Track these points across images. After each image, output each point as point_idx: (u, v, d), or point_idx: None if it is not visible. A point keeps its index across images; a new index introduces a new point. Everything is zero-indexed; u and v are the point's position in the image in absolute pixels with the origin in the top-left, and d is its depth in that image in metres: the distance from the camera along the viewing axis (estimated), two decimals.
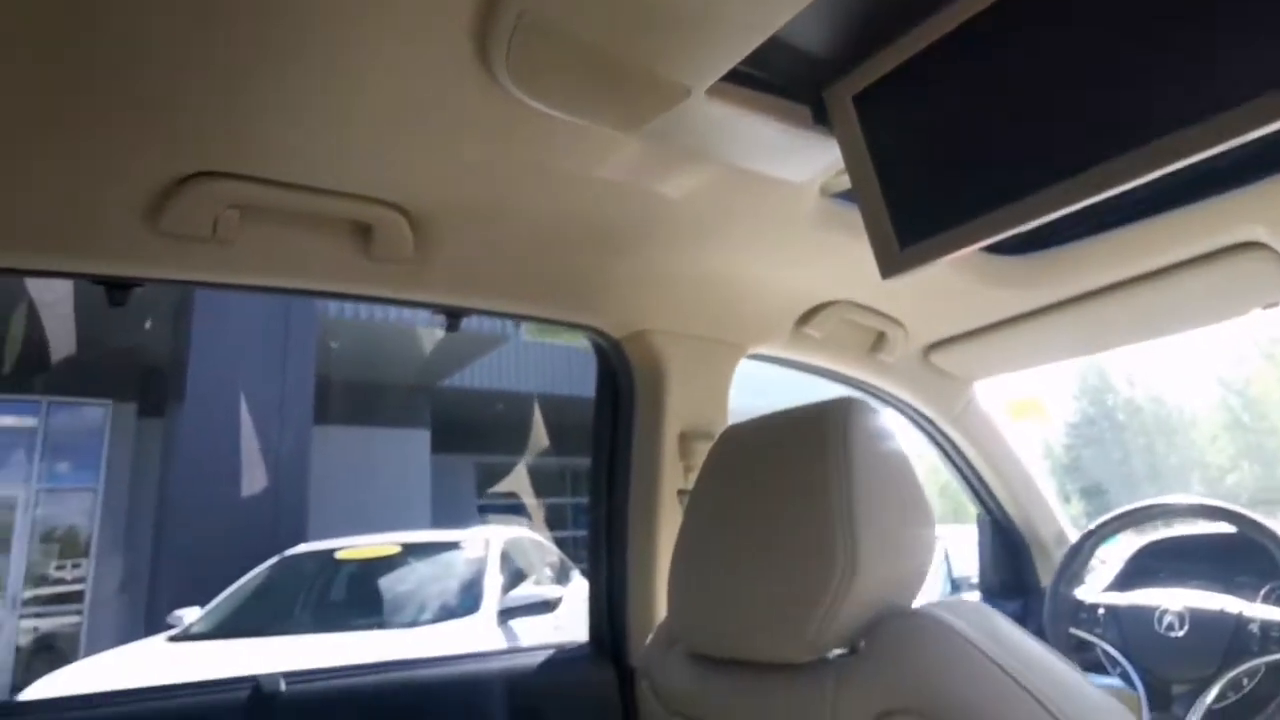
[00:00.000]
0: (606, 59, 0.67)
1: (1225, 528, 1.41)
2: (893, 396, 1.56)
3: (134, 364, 7.59)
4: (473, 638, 3.44)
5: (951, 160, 0.74)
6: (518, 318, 1.21)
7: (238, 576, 4.30)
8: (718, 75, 0.70)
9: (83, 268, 0.87)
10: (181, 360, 6.77)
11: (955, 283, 1.20)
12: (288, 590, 4.17)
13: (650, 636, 0.97)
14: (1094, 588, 1.55)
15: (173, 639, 3.90)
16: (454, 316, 1.06)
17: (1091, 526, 1.58)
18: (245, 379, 6.67)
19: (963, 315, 1.35)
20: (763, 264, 1.11)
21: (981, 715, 0.63)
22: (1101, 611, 1.45)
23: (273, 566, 4.33)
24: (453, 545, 4.41)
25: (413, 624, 3.68)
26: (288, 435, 6.76)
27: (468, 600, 3.85)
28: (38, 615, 7.35)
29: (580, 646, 1.22)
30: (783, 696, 0.72)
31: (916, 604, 0.74)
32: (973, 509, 1.85)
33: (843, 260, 1.08)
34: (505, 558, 4.29)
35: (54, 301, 6.39)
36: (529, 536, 5.13)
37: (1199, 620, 1.31)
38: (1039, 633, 1.58)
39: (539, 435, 8.88)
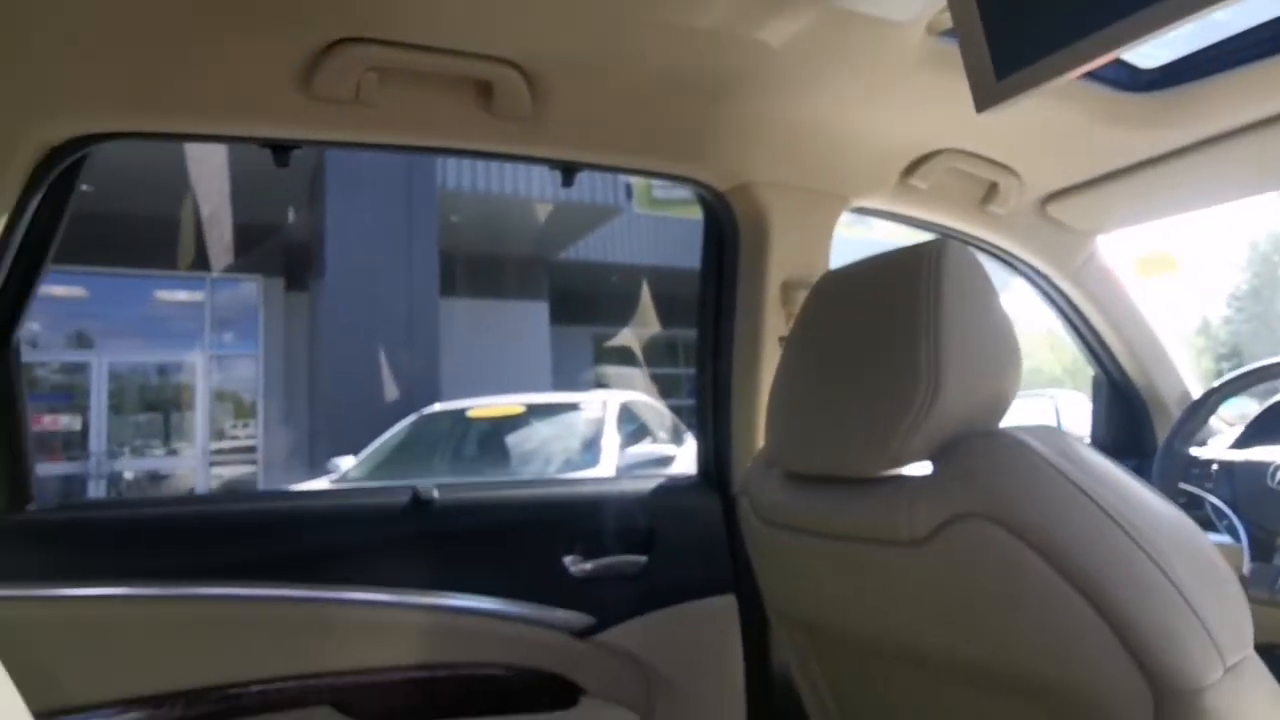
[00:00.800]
0: None
1: None
2: (1005, 252, 1.52)
3: (280, 243, 8.23)
4: None
5: None
6: (628, 171, 1.27)
7: (382, 430, 4.79)
8: None
9: (247, 132, 1.00)
10: (319, 239, 7.28)
11: (1074, 126, 1.15)
12: (426, 443, 4.61)
13: (750, 463, 1.08)
14: (1211, 449, 1.53)
15: (334, 483, 4.44)
16: (568, 172, 1.14)
17: (1215, 384, 1.54)
18: (376, 255, 7.12)
19: (1083, 162, 1.30)
20: (867, 111, 1.10)
21: (1047, 523, 0.67)
22: (1215, 467, 1.44)
23: (413, 422, 4.78)
24: (573, 406, 4.71)
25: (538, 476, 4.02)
26: (417, 306, 7.24)
27: (588, 456, 4.15)
28: (221, 465, 8.48)
29: (689, 478, 1.34)
30: (864, 505, 0.80)
31: None
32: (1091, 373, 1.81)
33: (951, 105, 1.06)
34: (622, 419, 4.55)
35: (211, 187, 6.93)
36: (644, 400, 5.37)
37: None
38: None
39: (652, 307, 9.05)
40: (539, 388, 7.43)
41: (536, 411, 4.65)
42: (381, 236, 7.17)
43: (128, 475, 8.25)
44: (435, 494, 1.12)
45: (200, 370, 8.53)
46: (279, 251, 8.28)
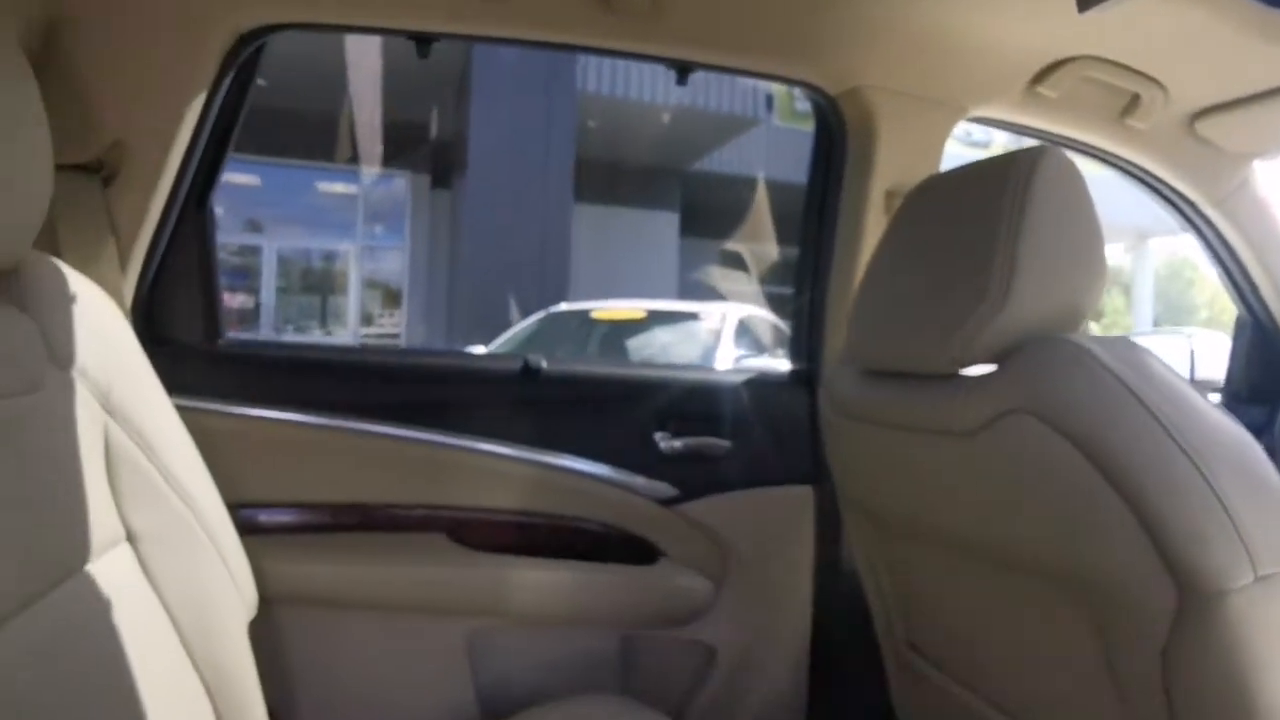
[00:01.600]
0: None
1: None
2: (1146, 172, 1.43)
3: (427, 142, 8.62)
4: None
5: None
6: (741, 73, 1.28)
7: (513, 324, 5.08)
8: None
9: (393, 24, 1.11)
10: (463, 139, 7.57)
11: (1228, 40, 1.07)
12: (552, 340, 4.86)
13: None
14: None
15: None
16: (682, 71, 1.19)
17: None
18: (515, 157, 7.34)
19: (1239, 78, 1.19)
20: (992, 15, 1.07)
21: (1094, 423, 0.69)
22: None
23: (540, 319, 5.03)
24: (692, 316, 4.80)
25: None
26: (551, 208, 7.46)
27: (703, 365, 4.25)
28: None
29: (781, 374, 1.41)
30: (925, 398, 0.85)
31: None
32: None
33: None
34: (739, 332, 4.60)
35: (367, 86, 7.30)
36: (764, 316, 5.38)
37: None
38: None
39: (785, 223, 8.87)
40: (664, 297, 7.57)
41: (657, 317, 4.77)
42: (521, 139, 7.37)
43: None
44: (544, 364, 1.26)
45: (353, 259, 9.23)
46: (427, 150, 8.69)
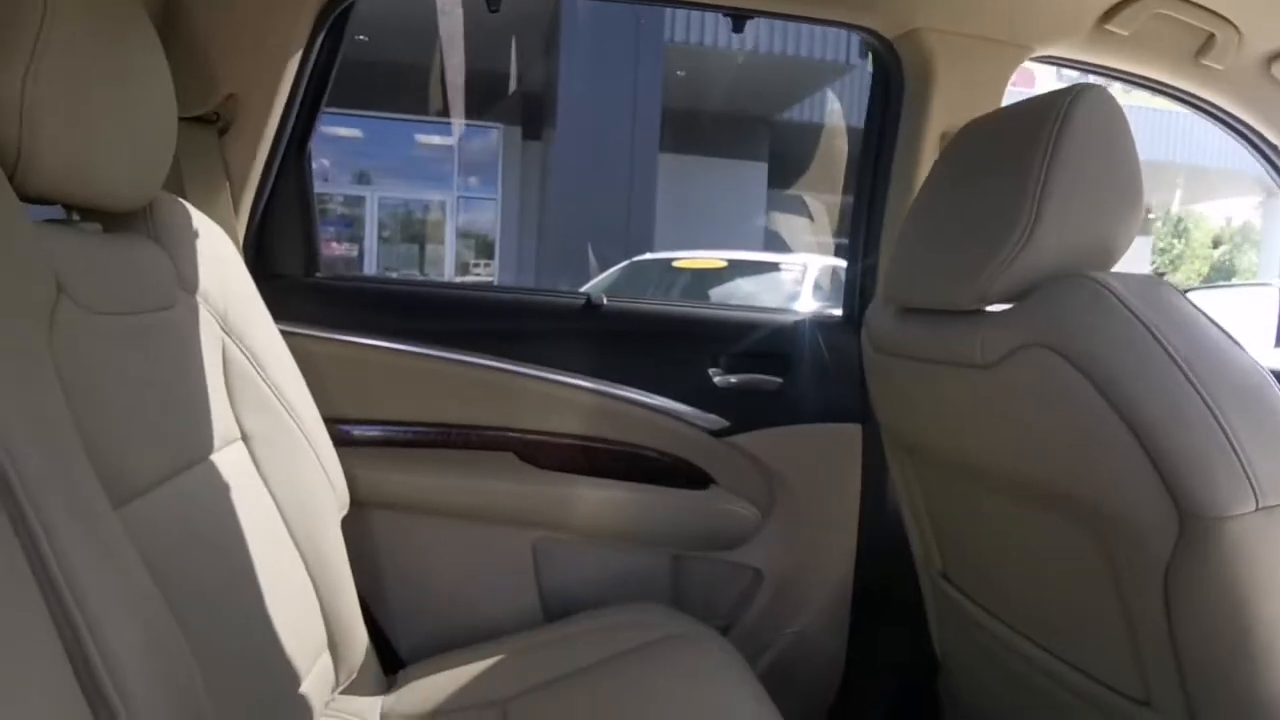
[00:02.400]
0: None
1: None
2: (1224, 111, 1.38)
3: (519, 93, 8.74)
4: None
5: None
6: (798, 19, 1.30)
7: (599, 273, 5.20)
8: None
9: None
10: (552, 90, 7.65)
11: None
12: (635, 288, 4.95)
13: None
14: None
15: None
16: (738, 19, 1.22)
17: None
18: (602, 107, 7.38)
19: None
20: None
21: (1106, 357, 0.71)
22: None
23: (624, 268, 5.13)
24: (774, 266, 4.79)
25: None
26: (638, 159, 7.49)
27: None
28: None
29: (834, 316, 1.45)
30: (951, 334, 0.89)
31: None
32: None
33: None
34: (820, 284, 4.57)
35: (459, 39, 7.46)
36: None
37: None
38: None
39: None
40: (749, 247, 7.53)
41: (738, 267, 4.78)
42: (608, 89, 7.39)
43: None
44: (605, 300, 1.35)
45: (449, 210, 9.55)
46: (518, 102, 8.82)
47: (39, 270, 0.59)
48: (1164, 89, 1.35)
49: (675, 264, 4.95)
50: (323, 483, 1.02)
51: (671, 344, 1.37)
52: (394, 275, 9.57)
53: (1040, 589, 0.93)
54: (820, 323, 1.41)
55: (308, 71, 1.21)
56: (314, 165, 1.36)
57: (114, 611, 0.52)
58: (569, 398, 1.31)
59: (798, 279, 4.58)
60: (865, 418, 1.35)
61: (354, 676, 1.03)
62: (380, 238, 9.72)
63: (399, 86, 7.85)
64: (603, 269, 5.32)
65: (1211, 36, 1.21)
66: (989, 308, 0.86)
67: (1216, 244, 13.62)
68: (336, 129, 8.97)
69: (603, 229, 7.12)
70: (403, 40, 6.40)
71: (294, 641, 0.89)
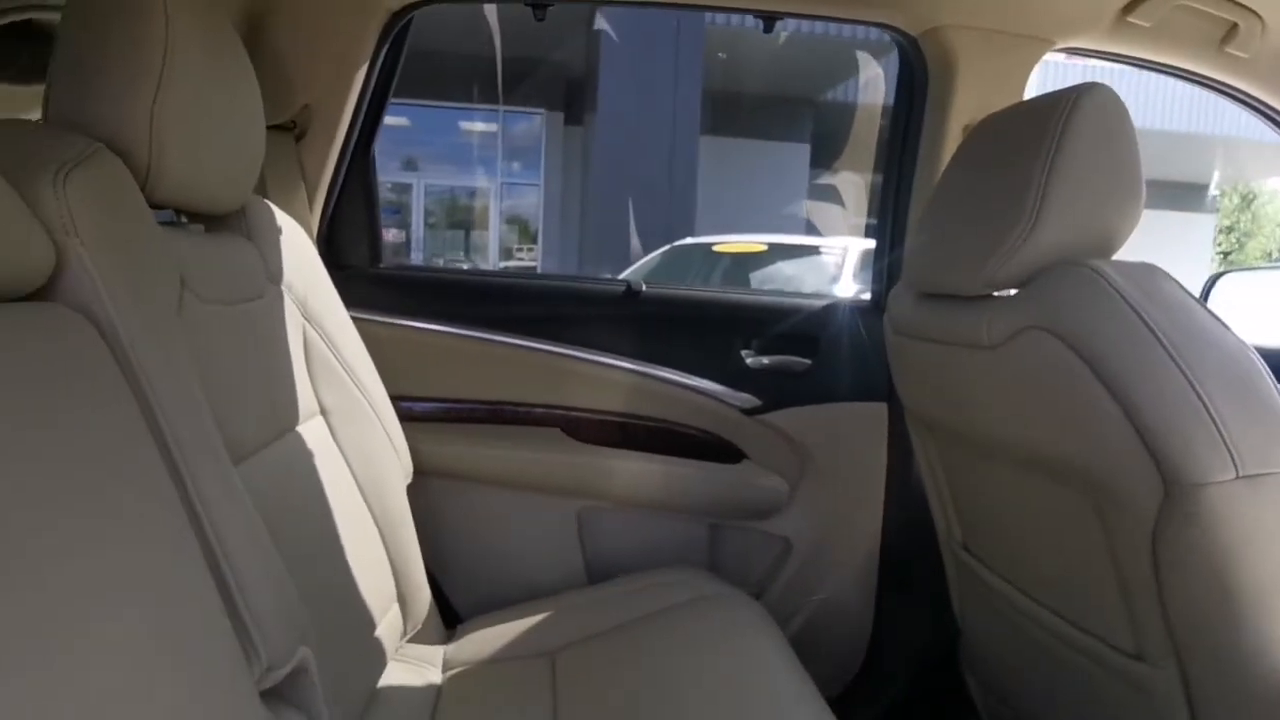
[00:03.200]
0: None
1: None
2: (1252, 97, 1.40)
3: (561, 78, 8.83)
4: None
5: None
6: (824, 18, 1.35)
7: (640, 257, 5.28)
8: None
9: None
10: (593, 74, 7.71)
11: None
12: (676, 272, 5.02)
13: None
14: None
15: None
16: (769, 19, 1.29)
17: None
18: (643, 91, 7.42)
19: None
20: None
21: (1097, 339, 0.78)
22: None
23: (665, 252, 5.20)
24: (814, 250, 4.81)
25: None
26: (680, 144, 7.52)
27: None
28: None
29: (862, 301, 1.52)
30: (961, 318, 0.96)
31: None
32: None
33: None
34: (862, 266, 4.58)
35: (496, 22, 7.55)
36: None
37: None
38: None
39: None
40: (792, 231, 7.52)
41: (778, 251, 4.81)
42: (649, 73, 7.43)
43: None
44: (644, 287, 1.44)
45: (493, 196, 9.71)
46: (560, 87, 8.91)
47: (170, 267, 0.71)
48: (1191, 76, 1.38)
49: (715, 248, 5.00)
50: (390, 453, 1.14)
51: (706, 328, 1.46)
52: (441, 264, 9.79)
53: (1045, 554, 1.00)
54: (849, 307, 1.48)
55: (374, 79, 1.33)
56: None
57: (246, 548, 0.63)
58: (611, 377, 1.41)
59: (839, 262, 4.59)
60: (891, 396, 1.42)
61: (419, 628, 1.15)
62: (426, 224, 9.94)
63: (444, 74, 7.99)
64: (644, 253, 5.40)
65: (1235, 26, 1.24)
66: (996, 293, 0.93)
67: None
68: (386, 118, 9.17)
69: (644, 213, 7.20)
70: (446, 29, 6.53)
71: (370, 594, 1.01)
